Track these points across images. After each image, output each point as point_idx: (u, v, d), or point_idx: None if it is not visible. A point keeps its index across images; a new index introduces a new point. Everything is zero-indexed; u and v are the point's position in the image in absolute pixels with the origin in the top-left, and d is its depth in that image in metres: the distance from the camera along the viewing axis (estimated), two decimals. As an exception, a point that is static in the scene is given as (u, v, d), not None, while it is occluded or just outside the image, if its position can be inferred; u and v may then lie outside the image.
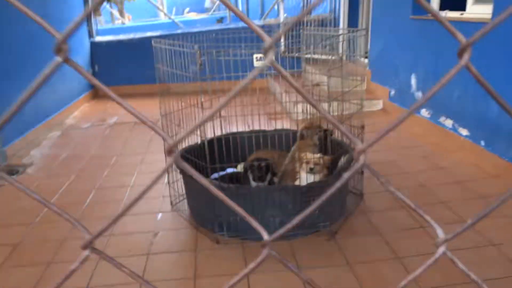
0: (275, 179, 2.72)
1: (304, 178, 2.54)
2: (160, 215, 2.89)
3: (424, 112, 4.39)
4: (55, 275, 2.26)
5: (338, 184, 0.43)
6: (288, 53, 6.66)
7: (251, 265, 0.45)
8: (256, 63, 2.33)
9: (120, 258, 2.37)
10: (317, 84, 2.49)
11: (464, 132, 3.76)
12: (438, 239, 0.47)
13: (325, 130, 2.79)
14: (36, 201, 0.43)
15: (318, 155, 2.61)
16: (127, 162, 3.94)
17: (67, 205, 3.03)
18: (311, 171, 2.51)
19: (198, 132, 2.71)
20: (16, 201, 3.10)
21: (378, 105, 5.35)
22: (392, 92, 5.13)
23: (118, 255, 2.39)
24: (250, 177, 2.64)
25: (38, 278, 2.23)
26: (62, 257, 2.42)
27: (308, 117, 2.93)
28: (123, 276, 2.19)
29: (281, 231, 0.46)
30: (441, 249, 0.47)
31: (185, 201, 2.90)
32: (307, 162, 2.53)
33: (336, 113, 2.73)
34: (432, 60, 4.19)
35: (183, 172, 2.70)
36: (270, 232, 0.40)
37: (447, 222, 2.61)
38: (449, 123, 3.98)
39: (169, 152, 0.41)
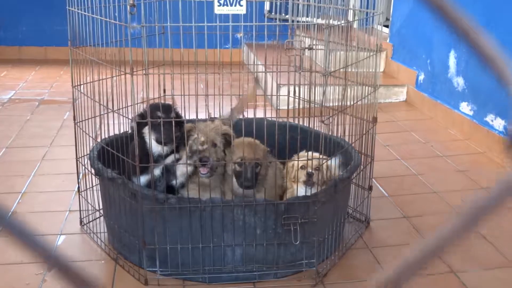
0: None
1: (302, 192, 2.50)
2: (62, 238, 2.81)
3: (465, 108, 4.37)
4: None
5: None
6: (275, 13, 6.60)
7: None
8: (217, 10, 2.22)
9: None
10: (309, 48, 2.41)
11: (520, 137, 3.74)
12: None
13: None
14: None
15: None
16: (21, 157, 3.89)
17: None
18: (309, 179, 2.44)
19: (130, 116, 2.60)
20: None
21: (401, 94, 5.33)
22: (421, 77, 5.11)
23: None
24: (149, 137, 2.51)
25: None
26: None
27: (301, 105, 2.82)
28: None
29: None
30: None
31: (102, 218, 2.83)
32: (302, 167, 2.47)
33: (337, 98, 2.65)
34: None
35: (99, 174, 2.59)
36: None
37: (488, 266, 2.61)
38: (498, 124, 3.96)
39: None
